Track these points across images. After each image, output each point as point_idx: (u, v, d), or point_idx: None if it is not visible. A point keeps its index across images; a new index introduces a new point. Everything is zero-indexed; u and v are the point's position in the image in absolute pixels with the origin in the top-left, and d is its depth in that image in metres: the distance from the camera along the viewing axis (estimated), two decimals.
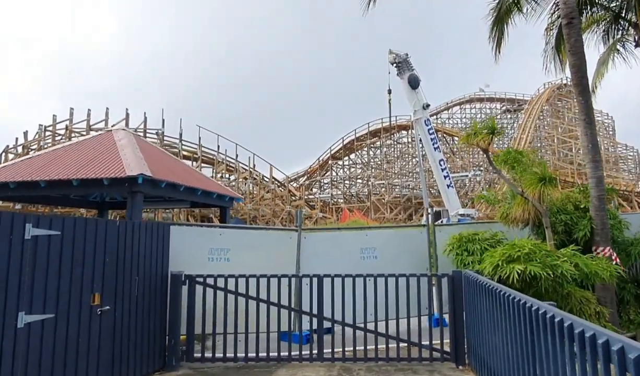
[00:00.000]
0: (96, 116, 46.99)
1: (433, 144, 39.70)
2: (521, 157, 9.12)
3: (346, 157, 62.18)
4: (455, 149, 61.93)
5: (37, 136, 43.99)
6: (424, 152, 43.73)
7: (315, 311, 6.91)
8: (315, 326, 7.17)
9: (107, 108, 46.03)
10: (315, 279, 6.97)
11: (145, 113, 47.38)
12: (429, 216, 9.75)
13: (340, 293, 6.95)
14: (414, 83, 39.44)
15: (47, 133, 44.90)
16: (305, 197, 54.27)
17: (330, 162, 60.26)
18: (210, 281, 6.98)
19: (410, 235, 9.69)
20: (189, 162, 47.43)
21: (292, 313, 7.00)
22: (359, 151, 62.30)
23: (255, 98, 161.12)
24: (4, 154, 42.04)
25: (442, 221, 38.46)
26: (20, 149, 43.13)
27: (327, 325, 7.11)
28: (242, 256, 8.27)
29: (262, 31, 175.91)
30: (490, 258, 6.35)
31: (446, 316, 9.13)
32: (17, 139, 44.31)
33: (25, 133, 45.55)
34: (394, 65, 40.27)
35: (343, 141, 60.78)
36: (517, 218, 7.75)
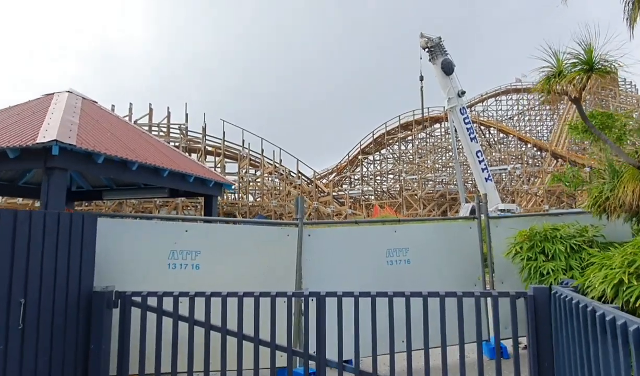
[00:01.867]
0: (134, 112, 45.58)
1: (469, 134, 36.60)
2: (612, 122, 6.45)
3: (377, 153, 59.37)
4: (492, 141, 58.33)
5: None
6: (459, 145, 40.70)
7: (313, 350, 4.44)
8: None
9: (131, 103, 44.70)
10: (312, 301, 4.49)
11: (168, 108, 45.90)
12: (480, 204, 7.15)
13: (351, 319, 4.44)
14: (447, 68, 36.43)
15: None
16: (335, 193, 51.84)
17: (360, 157, 57.60)
18: (152, 301, 4.59)
19: (455, 231, 7.11)
20: (211, 158, 45.83)
21: (277, 351, 4.51)
22: (390, 145, 59.39)
23: (290, 97, 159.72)
24: None
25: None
26: None
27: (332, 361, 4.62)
28: (217, 262, 5.88)
29: (294, 30, 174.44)
30: (604, 270, 3.75)
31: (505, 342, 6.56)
32: None
33: None
34: (426, 50, 37.36)
35: (373, 135, 58.05)
36: (624, 204, 5.13)
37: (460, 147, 41.05)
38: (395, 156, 59.70)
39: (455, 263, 6.92)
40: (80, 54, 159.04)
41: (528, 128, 66.54)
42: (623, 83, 70.17)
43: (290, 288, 6.02)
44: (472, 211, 26.76)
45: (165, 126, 44.87)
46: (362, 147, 57.90)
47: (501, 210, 33.94)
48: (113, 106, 44.74)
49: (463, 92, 36.53)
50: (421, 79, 39.03)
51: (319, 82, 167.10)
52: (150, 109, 44.65)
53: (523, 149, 56.27)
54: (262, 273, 6.01)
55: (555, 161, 51.46)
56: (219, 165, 42.61)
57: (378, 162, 60.23)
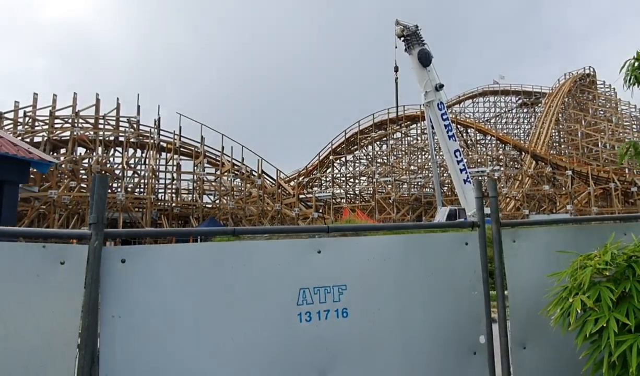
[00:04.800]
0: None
1: (447, 132, 33.53)
2: None
3: (349, 154, 56.22)
4: (470, 142, 55.72)
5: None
6: (436, 144, 37.60)
7: None
8: None
9: (75, 93, 40.30)
10: None
11: (117, 99, 41.71)
12: (485, 199, 3.77)
13: None
14: (424, 59, 33.29)
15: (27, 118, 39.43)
16: (303, 196, 48.37)
17: (331, 157, 54.35)
18: None
19: (438, 251, 3.66)
20: (168, 156, 41.66)
21: None
22: (364, 146, 56.31)
23: (263, 97, 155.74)
24: None
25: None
26: None
27: None
28: None
29: (269, 30, 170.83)
30: None
31: None
32: None
33: None
34: (402, 39, 34.17)
35: (345, 134, 54.93)
36: None
37: (438, 146, 38.07)
38: (369, 156, 56.64)
39: (437, 314, 3.51)
40: (56, 51, 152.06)
41: (505, 131, 64.61)
42: (602, 86, 68.55)
43: None
44: (450, 217, 23.27)
45: (114, 118, 40.72)
46: (334, 147, 54.65)
47: None
48: (75, 93, 40.44)
49: (441, 86, 33.45)
50: (396, 70, 35.74)
51: (299, 86, 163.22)
52: (97, 100, 40.39)
53: (500, 151, 53.84)
54: None
55: (535, 163, 49.08)
56: (170, 162, 38.70)
57: (351, 163, 57.09)
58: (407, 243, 3.70)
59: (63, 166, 35.72)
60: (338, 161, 55.45)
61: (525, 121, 70.75)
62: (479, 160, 51.21)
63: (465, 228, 3.82)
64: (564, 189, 45.75)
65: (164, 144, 40.65)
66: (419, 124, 53.96)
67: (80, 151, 39.97)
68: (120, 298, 2.84)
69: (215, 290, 3.02)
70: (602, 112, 63.60)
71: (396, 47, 34.75)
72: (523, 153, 50.73)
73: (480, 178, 50.38)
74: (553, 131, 58.22)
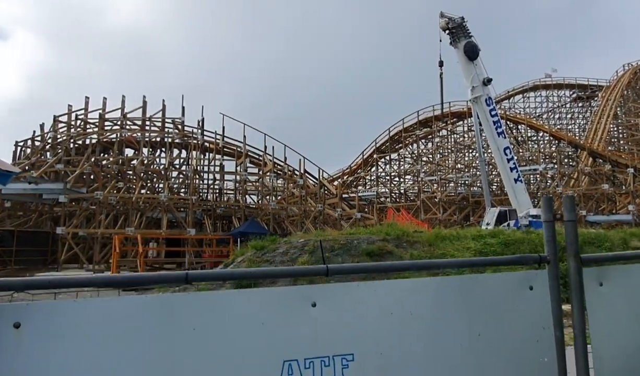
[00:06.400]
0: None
1: (496, 128, 31.50)
2: None
3: (394, 152, 54.69)
4: (520, 139, 52.93)
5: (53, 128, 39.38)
6: (484, 141, 35.58)
7: None
8: None
9: (123, 96, 41.03)
10: None
11: (163, 101, 42.10)
12: (550, 220, 2.63)
13: None
14: (471, 53, 31.40)
15: (77, 122, 40.55)
16: (347, 195, 47.29)
17: (375, 156, 53.03)
18: None
19: (490, 296, 2.60)
20: (211, 156, 41.65)
21: None
22: (408, 144, 54.60)
23: (306, 96, 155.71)
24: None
25: (508, 225, 30.21)
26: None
27: None
28: None
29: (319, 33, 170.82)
30: None
31: None
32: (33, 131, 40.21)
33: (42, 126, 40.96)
34: (447, 32, 32.42)
35: (389, 132, 53.48)
36: None
37: (486, 144, 36.03)
38: (414, 155, 54.90)
39: None
40: (113, 53, 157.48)
41: (559, 126, 61.08)
42: None
43: None
44: (500, 218, 21.32)
45: (160, 120, 41.05)
46: (378, 145, 53.33)
47: (533, 216, 28.87)
48: (124, 96, 41.18)
49: (489, 80, 31.49)
50: (441, 64, 34.04)
51: (342, 85, 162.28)
52: (144, 102, 40.96)
53: (554, 148, 50.73)
54: None
55: (592, 160, 45.88)
56: (212, 163, 38.58)
57: (395, 161, 55.55)
58: (443, 288, 2.64)
59: (109, 167, 36.25)
60: (382, 160, 54.09)
61: (580, 116, 66.70)
62: (530, 158, 48.53)
63: (528, 265, 2.70)
64: (624, 187, 42.57)
65: (208, 145, 40.69)
66: (465, 121, 51.80)
67: (129, 152, 40.66)
68: None
69: (152, 368, 2.05)
70: None
71: (440, 41, 33.21)
72: (579, 150, 47.61)
73: (531, 177, 47.68)
74: (611, 125, 54.47)
